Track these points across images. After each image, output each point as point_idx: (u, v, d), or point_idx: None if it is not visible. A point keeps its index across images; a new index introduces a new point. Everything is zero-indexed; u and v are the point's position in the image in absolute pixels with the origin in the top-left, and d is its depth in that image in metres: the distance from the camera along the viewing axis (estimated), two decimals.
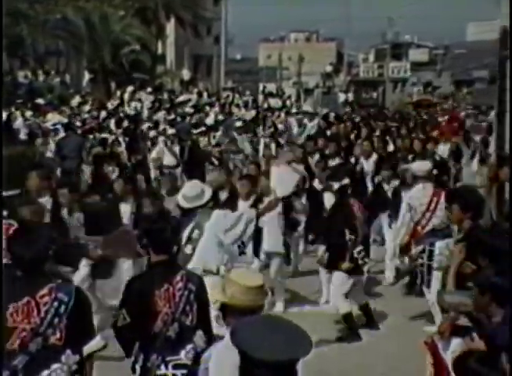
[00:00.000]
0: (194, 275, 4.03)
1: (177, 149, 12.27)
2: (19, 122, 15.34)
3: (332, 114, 20.99)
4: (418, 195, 6.53)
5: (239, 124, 14.48)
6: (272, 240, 6.84)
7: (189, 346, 3.78)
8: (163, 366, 3.75)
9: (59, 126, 13.52)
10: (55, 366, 3.34)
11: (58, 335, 3.33)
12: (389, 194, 8.20)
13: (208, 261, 4.92)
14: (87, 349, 3.43)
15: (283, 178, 7.37)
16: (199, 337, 3.81)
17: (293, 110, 22.98)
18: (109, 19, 26.55)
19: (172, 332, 3.76)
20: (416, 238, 6.41)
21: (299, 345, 2.37)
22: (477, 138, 15.19)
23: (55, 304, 3.34)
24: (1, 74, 13.99)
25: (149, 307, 3.73)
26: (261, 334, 2.37)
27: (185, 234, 4.94)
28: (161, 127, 15.91)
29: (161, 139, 12.91)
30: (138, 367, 3.77)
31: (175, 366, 3.75)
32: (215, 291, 3.24)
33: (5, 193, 5.48)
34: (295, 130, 15.68)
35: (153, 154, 12.30)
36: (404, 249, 6.61)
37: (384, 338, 6.34)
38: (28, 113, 16.18)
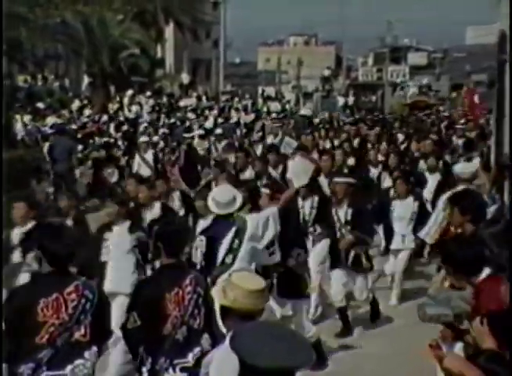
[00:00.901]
0: (202, 278, 4.06)
1: (150, 158, 11.31)
2: (19, 126, 15.34)
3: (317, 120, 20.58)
4: None
5: (219, 131, 14.07)
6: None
7: (197, 349, 3.80)
8: (170, 369, 3.78)
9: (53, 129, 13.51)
10: (78, 361, 3.41)
11: (82, 331, 3.42)
12: None
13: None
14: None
15: (298, 170, 7.34)
16: (205, 340, 3.83)
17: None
18: (108, 23, 26.57)
19: (180, 335, 3.79)
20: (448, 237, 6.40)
21: (301, 353, 2.32)
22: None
23: (82, 301, 3.43)
24: (1, 78, 13.98)
25: (159, 310, 3.76)
26: (261, 341, 2.33)
27: (224, 244, 4.88)
28: (161, 131, 15.92)
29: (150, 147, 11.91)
30: (145, 370, 3.79)
31: (183, 369, 3.78)
32: (217, 294, 3.23)
33: None
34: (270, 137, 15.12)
35: (135, 168, 11.20)
36: (434, 247, 6.67)
37: (378, 340, 6.33)
38: (27, 118, 16.18)
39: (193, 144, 12.52)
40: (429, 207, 7.70)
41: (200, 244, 4.90)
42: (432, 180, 8.91)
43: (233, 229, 4.94)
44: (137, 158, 11.45)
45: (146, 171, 10.65)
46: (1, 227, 5.32)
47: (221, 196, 5.07)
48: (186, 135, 13.48)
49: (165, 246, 3.87)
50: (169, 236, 3.90)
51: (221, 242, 4.91)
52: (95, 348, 3.45)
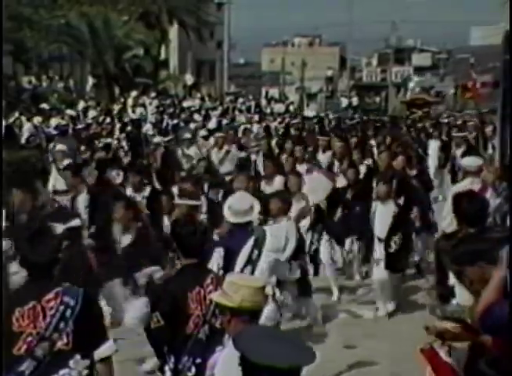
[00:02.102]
0: (223, 278, 4.07)
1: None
2: (27, 127, 15.34)
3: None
4: (466, 188, 6.56)
5: (203, 133, 13.86)
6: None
7: (219, 348, 3.73)
8: (193, 368, 3.76)
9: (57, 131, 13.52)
10: (63, 371, 3.30)
11: (65, 340, 3.29)
12: None
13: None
14: (98, 354, 3.38)
15: (315, 186, 7.29)
16: (227, 339, 3.82)
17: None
18: (113, 24, 26.66)
19: (203, 334, 3.78)
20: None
21: (304, 353, 2.37)
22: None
23: (61, 308, 3.30)
24: (1, 77, 13.99)
25: (181, 310, 3.76)
26: (266, 341, 2.38)
27: (243, 255, 4.73)
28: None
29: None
30: (167, 369, 3.79)
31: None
32: (220, 298, 3.23)
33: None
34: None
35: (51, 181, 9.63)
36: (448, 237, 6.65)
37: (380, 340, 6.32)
38: (38, 119, 16.19)
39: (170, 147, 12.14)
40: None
41: (217, 256, 4.73)
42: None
43: (252, 240, 4.78)
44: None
45: (60, 184, 9.05)
46: (1, 227, 5.29)
47: (238, 204, 4.89)
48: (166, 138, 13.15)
49: (181, 247, 3.88)
50: (184, 237, 3.89)
51: (239, 253, 4.74)
52: (77, 357, 3.31)
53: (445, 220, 6.62)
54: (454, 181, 10.55)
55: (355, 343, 6.35)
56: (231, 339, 2.42)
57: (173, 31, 33.11)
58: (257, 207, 4.90)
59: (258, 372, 2.29)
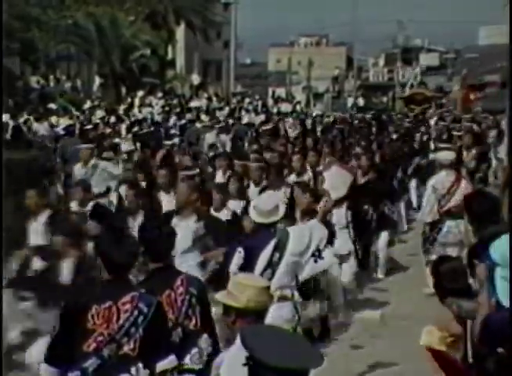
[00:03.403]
0: (195, 278, 4.02)
1: None
2: (42, 127, 15.36)
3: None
4: (442, 180, 7.41)
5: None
6: (341, 241, 6.64)
7: (194, 350, 3.75)
8: (168, 372, 3.68)
9: (62, 131, 13.54)
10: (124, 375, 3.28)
11: (132, 345, 3.29)
12: None
13: (284, 287, 4.64)
14: (161, 366, 3.36)
15: (335, 181, 7.28)
16: (204, 340, 3.77)
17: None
18: (120, 24, 26.73)
19: (176, 337, 3.72)
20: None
21: (311, 355, 2.35)
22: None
23: (135, 313, 3.30)
24: (1, 76, 14.01)
25: None
26: (273, 341, 2.37)
27: (263, 257, 4.59)
28: (171, 132, 15.95)
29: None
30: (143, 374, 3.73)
31: (181, 372, 3.70)
32: (224, 299, 3.22)
33: None
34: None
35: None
36: (430, 226, 7.44)
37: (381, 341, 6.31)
38: (54, 119, 16.24)
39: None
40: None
41: (237, 255, 4.61)
42: None
43: (273, 242, 4.64)
44: None
45: None
46: (1, 227, 5.28)
47: (264, 203, 4.76)
48: (167, 142, 13.07)
49: (148, 251, 3.80)
50: (150, 242, 3.80)
51: (260, 254, 4.61)
52: (140, 365, 3.30)
53: (425, 210, 7.54)
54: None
55: (362, 343, 6.34)
56: (238, 338, 2.42)
57: (180, 31, 33.16)
58: (282, 207, 4.79)
59: (265, 372, 2.26)
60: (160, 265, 3.81)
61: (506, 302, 3.10)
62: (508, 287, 3.13)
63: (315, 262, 4.73)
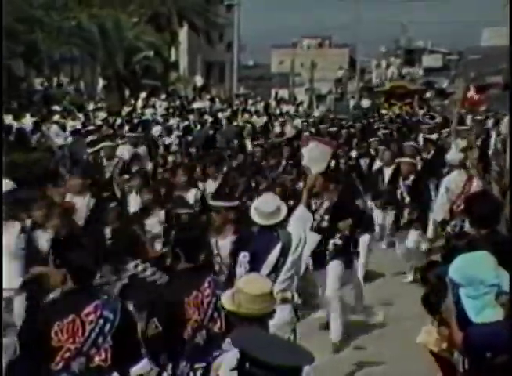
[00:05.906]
0: (221, 281, 4.06)
1: None
2: (53, 129, 15.38)
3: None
4: (456, 179, 7.58)
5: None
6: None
7: (217, 353, 3.71)
8: (191, 374, 3.72)
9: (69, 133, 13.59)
10: None
11: (103, 356, 3.21)
12: None
13: (285, 289, 4.64)
14: (134, 372, 3.33)
15: (314, 156, 7.15)
16: (228, 343, 3.70)
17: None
18: (123, 26, 26.73)
19: (200, 339, 3.74)
20: (452, 215, 7.41)
21: (302, 354, 2.37)
22: None
23: (101, 322, 3.20)
24: (1, 77, 14.05)
25: (179, 315, 3.71)
26: (264, 341, 2.38)
27: (269, 262, 4.59)
28: (175, 133, 15.99)
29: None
30: (166, 375, 3.73)
31: (204, 374, 3.71)
32: (225, 300, 3.23)
33: None
34: None
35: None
36: (443, 224, 7.61)
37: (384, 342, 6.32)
38: (69, 123, 16.27)
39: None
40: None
41: (243, 260, 4.63)
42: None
43: (278, 247, 4.64)
44: None
45: None
46: (1, 227, 5.27)
47: (265, 205, 4.74)
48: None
49: (184, 252, 3.82)
50: (189, 242, 3.85)
51: (264, 258, 4.61)
52: (115, 374, 3.23)
53: (437, 211, 7.70)
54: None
55: (365, 344, 6.35)
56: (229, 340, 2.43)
57: (183, 33, 33.18)
58: (284, 209, 4.76)
59: (258, 370, 2.25)
60: (191, 266, 3.83)
61: (474, 319, 3.25)
62: (475, 304, 3.25)
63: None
